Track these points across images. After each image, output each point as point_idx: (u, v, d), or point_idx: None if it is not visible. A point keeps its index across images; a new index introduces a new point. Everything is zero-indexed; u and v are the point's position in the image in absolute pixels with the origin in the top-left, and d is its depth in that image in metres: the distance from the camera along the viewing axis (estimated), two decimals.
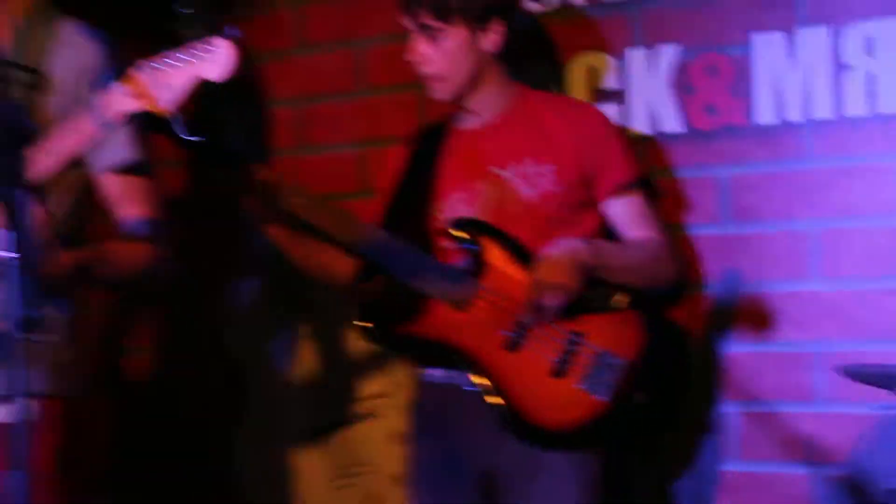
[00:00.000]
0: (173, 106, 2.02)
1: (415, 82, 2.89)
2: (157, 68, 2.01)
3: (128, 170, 2.38)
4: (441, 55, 2.53)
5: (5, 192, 1.59)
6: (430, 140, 2.68)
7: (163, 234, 2.48)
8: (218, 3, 3.29)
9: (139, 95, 2.02)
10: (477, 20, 2.52)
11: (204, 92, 2.26)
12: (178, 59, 2.01)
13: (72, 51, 2.30)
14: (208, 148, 2.46)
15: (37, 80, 2.22)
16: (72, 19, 2.34)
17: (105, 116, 2.05)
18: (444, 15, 2.49)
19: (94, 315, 3.63)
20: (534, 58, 2.92)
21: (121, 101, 2.04)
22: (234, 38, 1.99)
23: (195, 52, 2.00)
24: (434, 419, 2.58)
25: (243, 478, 3.42)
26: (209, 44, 1.99)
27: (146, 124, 2.35)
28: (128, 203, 2.43)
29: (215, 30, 2.02)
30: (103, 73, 2.30)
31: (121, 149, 2.29)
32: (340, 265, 2.67)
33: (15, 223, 1.54)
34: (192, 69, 1.99)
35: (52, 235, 2.21)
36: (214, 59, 1.99)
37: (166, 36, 2.85)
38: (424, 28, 2.50)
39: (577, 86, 2.88)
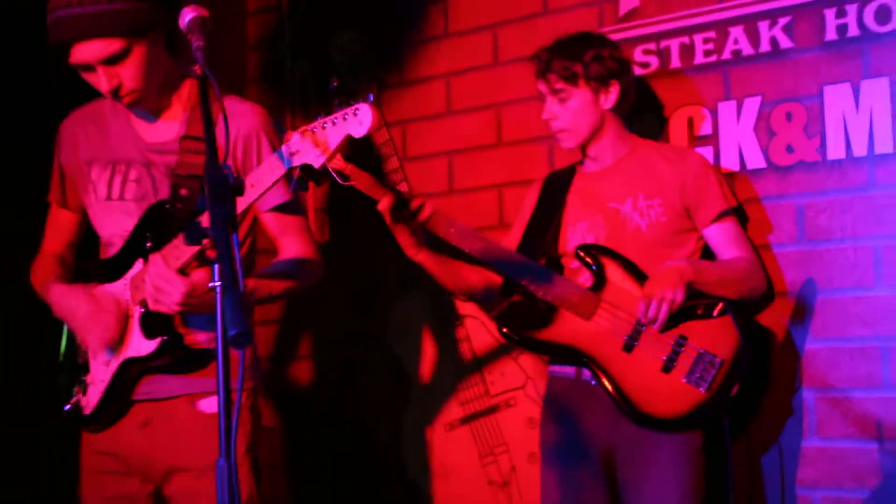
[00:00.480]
0: (331, 157, 2.02)
1: (543, 136, 3.06)
2: (318, 129, 2.02)
3: (284, 209, 2.38)
4: (568, 112, 2.60)
5: (218, 234, 1.57)
6: (558, 182, 2.75)
7: (306, 272, 2.44)
8: (366, 79, 3.47)
9: (316, 147, 2.01)
10: (598, 83, 2.59)
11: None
12: (334, 121, 2.01)
13: (235, 120, 2.27)
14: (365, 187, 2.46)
15: (214, 148, 2.14)
16: (231, 96, 2.34)
17: (292, 162, 2.04)
18: (571, 80, 2.58)
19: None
20: (642, 111, 2.92)
21: (302, 151, 2.03)
22: (373, 103, 2.00)
23: (346, 115, 2.00)
24: (562, 408, 2.63)
25: (407, 459, 3.45)
26: (356, 109, 1.99)
27: (310, 173, 2.27)
28: (285, 236, 2.42)
29: (359, 97, 2.03)
30: (261, 135, 2.35)
31: (277, 193, 2.27)
32: (476, 281, 2.72)
33: (223, 258, 1.53)
34: (343, 128, 1.99)
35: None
36: (360, 121, 1.98)
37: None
38: (555, 91, 2.59)
39: (677, 133, 2.91)
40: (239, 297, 1.48)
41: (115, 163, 2.33)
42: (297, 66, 3.74)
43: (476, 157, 3.36)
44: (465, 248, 2.52)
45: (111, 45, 2.13)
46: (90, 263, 2.43)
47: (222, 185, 1.62)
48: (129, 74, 2.17)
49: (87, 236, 2.50)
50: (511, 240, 2.77)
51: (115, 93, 2.18)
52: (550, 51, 2.63)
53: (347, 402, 3.65)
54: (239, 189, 1.67)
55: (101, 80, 2.16)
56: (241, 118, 2.32)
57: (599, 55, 2.62)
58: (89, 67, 2.16)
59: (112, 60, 2.15)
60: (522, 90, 3.14)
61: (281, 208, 2.36)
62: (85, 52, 2.13)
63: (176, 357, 2.24)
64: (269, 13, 3.84)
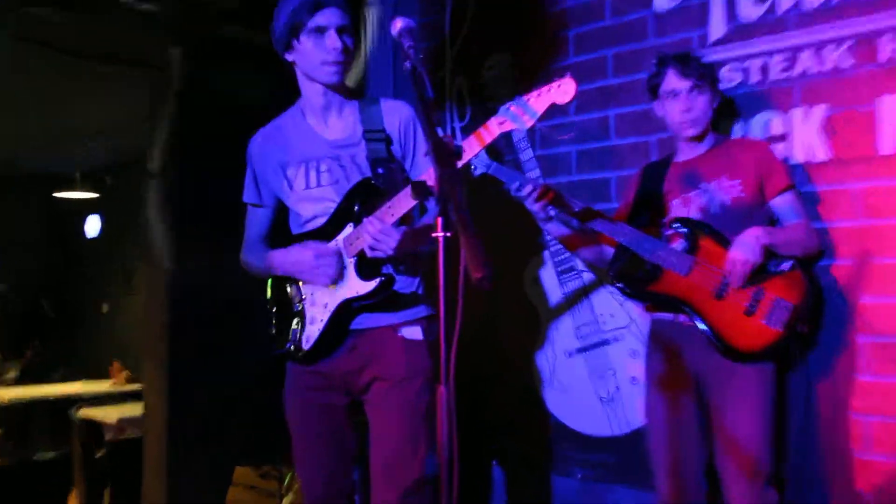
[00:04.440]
0: (535, 121, 1.90)
1: (642, 136, 2.98)
2: (522, 103, 1.91)
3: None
4: (700, 105, 2.46)
5: (446, 191, 1.47)
6: (656, 169, 2.62)
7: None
8: (508, 92, 3.26)
9: (523, 115, 1.90)
10: (713, 87, 2.50)
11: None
12: (538, 94, 1.90)
13: (393, 115, 2.22)
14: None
15: (384, 137, 2.17)
16: (386, 98, 2.27)
17: (491, 137, 1.92)
18: (705, 79, 2.46)
19: None
20: (726, 116, 2.73)
21: (508, 121, 1.91)
22: (573, 79, 1.88)
23: (551, 88, 1.90)
24: (665, 345, 2.51)
25: (535, 377, 3.30)
26: (560, 83, 1.89)
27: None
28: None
29: (563, 73, 1.91)
30: (416, 123, 2.24)
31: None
32: (589, 246, 2.65)
33: (450, 211, 1.42)
34: (548, 98, 1.90)
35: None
36: (564, 91, 1.89)
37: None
38: (696, 86, 2.44)
39: (755, 132, 2.70)
40: (478, 243, 1.34)
41: (306, 161, 2.22)
42: (455, 82, 3.61)
43: (593, 152, 3.17)
44: (586, 222, 2.43)
45: (345, 18, 2.14)
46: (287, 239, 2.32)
47: (446, 151, 1.51)
48: (349, 42, 2.14)
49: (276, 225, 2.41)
50: (620, 214, 2.64)
51: (340, 52, 2.13)
52: (685, 57, 2.49)
53: (495, 332, 3.50)
54: (459, 154, 1.57)
55: (331, 40, 2.11)
56: (400, 111, 2.24)
57: (713, 67, 2.56)
58: (323, 30, 2.12)
59: (342, 29, 2.13)
60: (628, 101, 3.02)
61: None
62: (328, 15, 2.11)
63: (385, 296, 2.13)
64: (436, 43, 3.68)
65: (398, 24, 1.73)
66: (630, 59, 2.97)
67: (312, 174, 2.21)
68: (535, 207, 2.38)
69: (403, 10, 3.63)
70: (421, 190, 1.70)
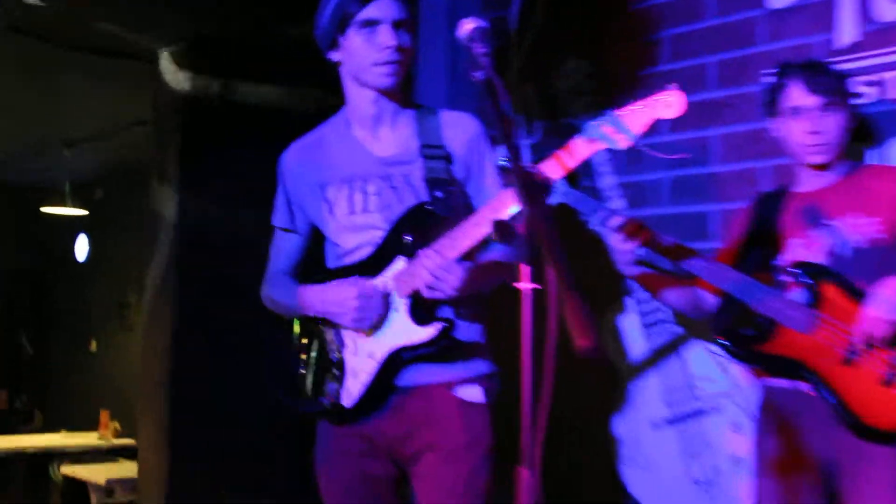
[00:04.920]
0: (633, 143, 1.79)
1: (752, 159, 2.77)
2: (619, 118, 1.79)
3: None
4: (833, 127, 2.26)
5: (538, 233, 1.36)
6: (769, 202, 2.40)
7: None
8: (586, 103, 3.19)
9: (616, 134, 1.79)
10: (850, 105, 2.30)
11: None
12: (639, 108, 1.79)
13: (455, 129, 2.11)
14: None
15: (444, 154, 2.07)
16: (449, 110, 2.19)
17: (576, 162, 1.81)
18: (837, 95, 2.26)
19: None
20: (855, 137, 2.48)
21: (599, 140, 1.80)
22: (679, 91, 1.77)
23: (650, 102, 1.79)
24: (780, 419, 2.29)
25: (612, 450, 3.10)
26: (665, 95, 1.78)
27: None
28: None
29: (669, 86, 1.80)
30: (483, 139, 2.14)
31: None
32: (685, 295, 2.46)
33: (540, 258, 1.33)
34: (651, 113, 1.78)
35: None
36: (669, 104, 1.78)
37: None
38: (827, 104, 2.24)
39: (892, 159, 2.52)
40: (581, 302, 1.15)
41: (350, 181, 2.10)
42: (522, 90, 3.45)
43: (692, 178, 2.99)
44: (684, 265, 2.23)
45: (403, 11, 2.02)
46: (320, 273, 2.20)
47: (534, 182, 1.43)
48: (406, 39, 2.02)
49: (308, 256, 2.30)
50: (724, 255, 2.41)
51: (394, 50, 2.01)
52: (814, 66, 2.29)
53: (562, 390, 3.26)
54: (548, 187, 1.53)
55: (384, 36, 2.00)
56: (464, 125, 2.13)
57: (847, 79, 2.32)
58: (375, 23, 1.99)
59: (399, 24, 2.01)
60: (733, 119, 2.83)
61: None
62: (381, 6, 2.00)
63: (444, 346, 1.99)
64: (499, 45, 3.51)
65: (468, 26, 1.65)
66: (736, 68, 2.79)
67: (358, 197, 2.06)
68: (623, 247, 2.21)
69: (462, 5, 3.54)
70: (504, 230, 1.61)
